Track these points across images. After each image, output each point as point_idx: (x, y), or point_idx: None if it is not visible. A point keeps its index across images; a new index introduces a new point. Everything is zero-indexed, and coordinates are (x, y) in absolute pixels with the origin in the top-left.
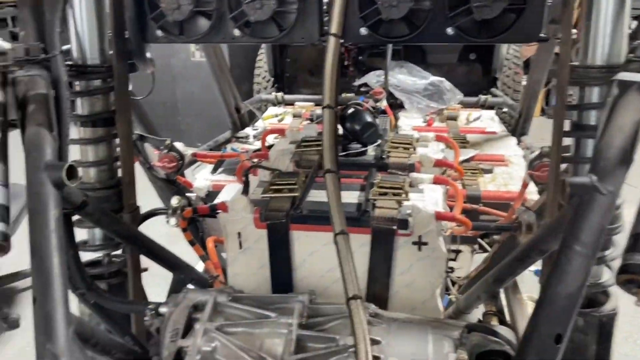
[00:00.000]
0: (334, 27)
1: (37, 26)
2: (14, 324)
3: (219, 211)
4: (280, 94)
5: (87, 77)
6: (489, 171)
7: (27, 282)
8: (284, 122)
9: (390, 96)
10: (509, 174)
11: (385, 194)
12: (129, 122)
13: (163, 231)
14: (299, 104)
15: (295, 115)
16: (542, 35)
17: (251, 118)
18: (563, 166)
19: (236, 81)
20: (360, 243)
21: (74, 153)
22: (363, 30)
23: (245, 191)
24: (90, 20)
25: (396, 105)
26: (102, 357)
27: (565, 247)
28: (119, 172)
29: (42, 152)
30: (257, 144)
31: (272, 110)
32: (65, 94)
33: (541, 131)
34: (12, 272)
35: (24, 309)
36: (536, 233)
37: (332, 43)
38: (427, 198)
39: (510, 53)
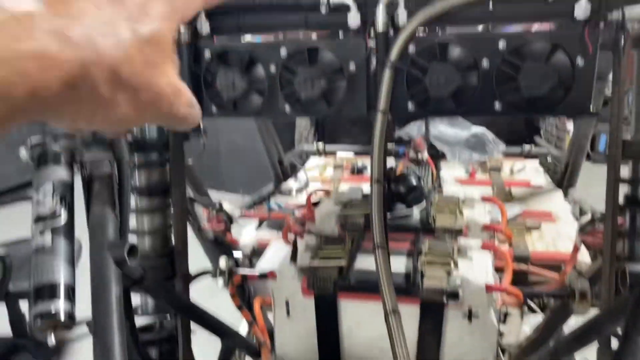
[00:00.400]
0: (382, 104)
1: None
2: None
3: (268, 278)
4: (321, 145)
5: (145, 151)
6: (537, 228)
7: (77, 332)
8: (326, 173)
9: (432, 147)
10: (557, 231)
11: (433, 262)
12: (183, 192)
13: (205, 283)
14: (340, 154)
15: (336, 167)
16: (591, 110)
17: (292, 169)
18: None
19: (278, 130)
20: (409, 314)
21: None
22: (410, 106)
23: (294, 258)
24: None
25: (438, 156)
26: None
27: (628, 339)
28: (172, 239)
29: (105, 231)
30: (300, 198)
31: (313, 161)
32: (127, 173)
33: (588, 178)
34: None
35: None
36: (594, 317)
37: (379, 119)
38: (477, 267)
39: None
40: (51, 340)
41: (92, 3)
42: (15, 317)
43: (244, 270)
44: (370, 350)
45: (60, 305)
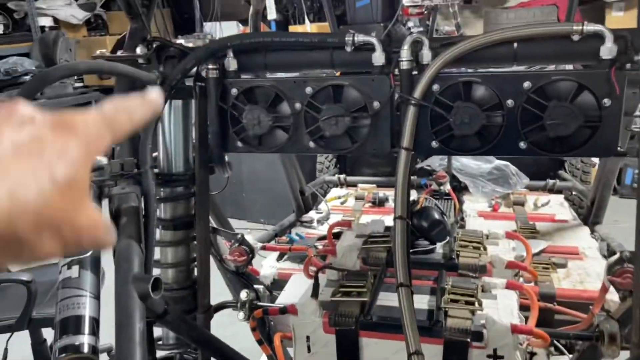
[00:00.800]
0: (406, 141)
1: (131, 141)
2: None
3: (289, 313)
4: (342, 176)
5: (172, 185)
6: (563, 266)
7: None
8: (347, 204)
9: (454, 179)
10: (585, 269)
11: (457, 300)
12: (207, 225)
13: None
14: (361, 185)
15: (357, 198)
16: (620, 149)
17: (314, 200)
18: None
19: (299, 161)
20: (432, 354)
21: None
22: (434, 144)
23: (315, 294)
24: (177, 134)
25: (460, 189)
26: None
27: None
28: (195, 272)
29: (131, 265)
30: (321, 229)
31: (334, 192)
32: (153, 207)
33: (614, 213)
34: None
35: None
36: None
37: (403, 156)
38: (501, 306)
39: None
40: None
41: (13, 157)
42: (38, 344)
43: (264, 304)
44: None
45: (84, 340)
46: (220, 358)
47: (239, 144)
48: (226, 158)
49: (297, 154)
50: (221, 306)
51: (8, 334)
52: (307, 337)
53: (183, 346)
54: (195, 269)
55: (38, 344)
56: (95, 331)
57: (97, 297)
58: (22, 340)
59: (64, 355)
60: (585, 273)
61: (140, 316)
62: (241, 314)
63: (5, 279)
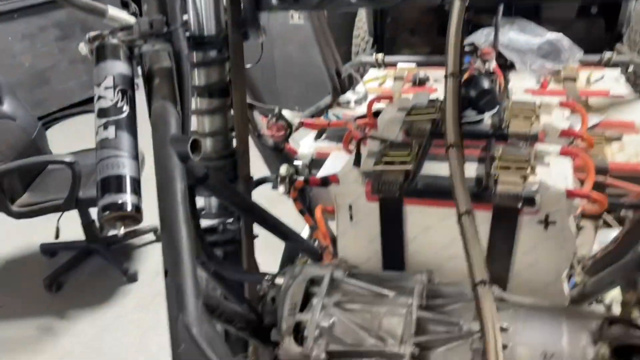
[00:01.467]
0: None
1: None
2: (132, 278)
3: (331, 183)
4: (381, 56)
5: (204, 48)
6: (617, 139)
7: (144, 238)
8: (385, 85)
9: (500, 56)
10: None
11: (508, 167)
12: (243, 92)
13: (264, 194)
14: (400, 65)
15: (396, 78)
16: None
17: (350, 82)
18: None
19: (334, 41)
20: (480, 220)
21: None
22: None
23: (357, 162)
24: None
25: (506, 66)
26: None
27: None
28: (234, 142)
29: (168, 126)
30: (359, 110)
31: (372, 73)
32: (187, 67)
33: None
34: (131, 229)
35: (141, 264)
36: None
37: (456, 6)
38: (555, 173)
39: None
40: (120, 231)
41: None
42: (87, 223)
43: (305, 176)
44: (435, 257)
45: (127, 198)
46: (264, 225)
47: (274, 1)
48: (261, 22)
49: (336, 11)
50: (262, 180)
51: (58, 214)
52: (350, 206)
53: (226, 215)
54: (234, 140)
55: (88, 224)
56: (137, 191)
57: (135, 157)
58: (72, 220)
59: (107, 213)
60: None
61: (181, 178)
62: (281, 188)
63: (50, 160)
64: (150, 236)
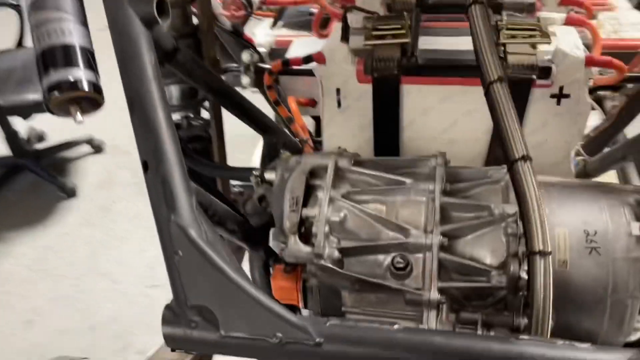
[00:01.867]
0: None
1: None
2: (71, 193)
3: (314, 62)
4: None
5: None
6: (592, 17)
7: (78, 150)
8: None
9: None
10: (617, 19)
11: (514, 36)
12: None
13: None
14: None
15: None
16: None
17: None
18: None
19: None
20: (482, 98)
21: None
22: None
23: (345, 37)
24: None
25: None
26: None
27: None
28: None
29: None
30: None
31: None
32: None
33: None
34: (64, 142)
35: (79, 178)
36: None
37: None
38: (564, 41)
39: None
40: (78, 116)
41: None
42: (10, 135)
43: (279, 61)
44: (434, 143)
45: (80, 74)
46: (240, 114)
47: None
48: None
49: None
50: (223, 71)
51: None
52: (337, 90)
53: (187, 109)
54: (195, 17)
55: (10, 136)
56: (92, 65)
57: (84, 24)
58: None
59: (56, 93)
60: (618, 23)
61: (149, 47)
62: (246, 79)
63: None
64: (86, 148)
